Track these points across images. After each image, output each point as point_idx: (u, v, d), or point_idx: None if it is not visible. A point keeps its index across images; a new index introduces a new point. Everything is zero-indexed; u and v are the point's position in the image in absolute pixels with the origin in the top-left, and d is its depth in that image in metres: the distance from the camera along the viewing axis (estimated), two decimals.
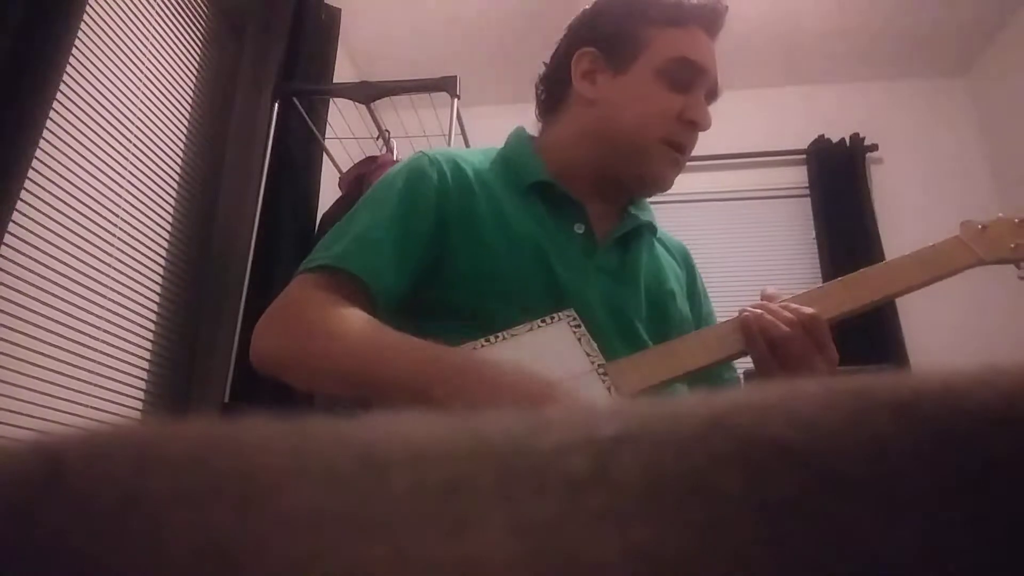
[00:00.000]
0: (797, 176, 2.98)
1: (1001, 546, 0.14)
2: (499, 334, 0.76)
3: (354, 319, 0.75)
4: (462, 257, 0.83)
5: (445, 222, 0.85)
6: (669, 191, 0.93)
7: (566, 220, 0.89)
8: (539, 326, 0.77)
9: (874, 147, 2.92)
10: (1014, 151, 2.76)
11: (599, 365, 0.74)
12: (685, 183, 3.15)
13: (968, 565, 0.13)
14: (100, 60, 1.67)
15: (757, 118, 3.05)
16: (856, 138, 2.93)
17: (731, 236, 2.96)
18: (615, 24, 0.91)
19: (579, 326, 0.77)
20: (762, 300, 0.80)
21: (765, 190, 3.02)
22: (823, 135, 2.95)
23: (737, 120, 3.01)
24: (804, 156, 2.97)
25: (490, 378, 0.66)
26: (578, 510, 0.14)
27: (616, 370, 0.76)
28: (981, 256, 0.85)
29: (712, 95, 0.92)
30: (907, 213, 2.81)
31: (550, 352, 0.74)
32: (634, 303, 0.87)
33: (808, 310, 0.76)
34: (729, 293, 2.60)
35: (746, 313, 0.79)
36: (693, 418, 0.16)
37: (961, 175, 2.90)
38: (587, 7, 0.96)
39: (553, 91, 0.97)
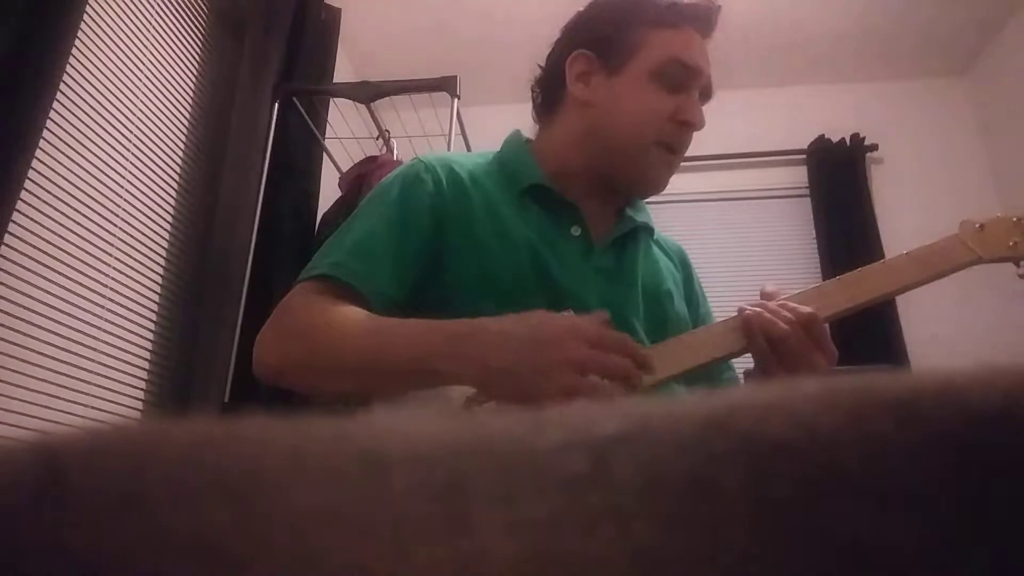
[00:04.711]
0: (797, 176, 2.98)
1: (1001, 545, 0.14)
2: None
3: (351, 314, 0.76)
4: (459, 261, 0.84)
5: (441, 227, 0.85)
6: (667, 191, 0.93)
7: (562, 223, 0.89)
8: None
9: (874, 147, 2.92)
10: (1013, 151, 2.76)
11: None
12: (685, 183, 3.16)
13: (968, 564, 0.13)
14: (100, 60, 1.67)
15: (757, 118, 3.05)
16: (856, 138, 2.92)
17: (731, 236, 2.96)
18: (609, 25, 0.91)
19: None
20: (761, 299, 0.81)
21: (765, 190, 3.02)
22: (823, 135, 2.95)
23: (737, 120, 3.01)
24: (804, 156, 2.97)
25: (486, 339, 0.68)
26: (578, 510, 0.14)
27: None
28: (980, 254, 0.85)
29: (705, 95, 0.92)
30: (907, 213, 2.80)
31: None
32: (632, 304, 0.87)
33: (806, 309, 0.77)
34: (729, 293, 2.59)
35: (747, 312, 0.79)
36: (693, 417, 0.16)
37: (961, 175, 2.90)
38: (581, 9, 0.96)
39: (548, 93, 0.97)
